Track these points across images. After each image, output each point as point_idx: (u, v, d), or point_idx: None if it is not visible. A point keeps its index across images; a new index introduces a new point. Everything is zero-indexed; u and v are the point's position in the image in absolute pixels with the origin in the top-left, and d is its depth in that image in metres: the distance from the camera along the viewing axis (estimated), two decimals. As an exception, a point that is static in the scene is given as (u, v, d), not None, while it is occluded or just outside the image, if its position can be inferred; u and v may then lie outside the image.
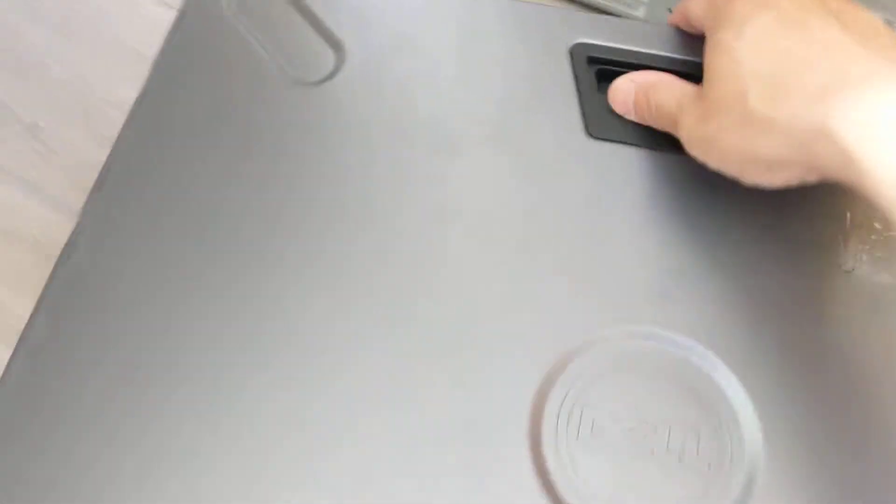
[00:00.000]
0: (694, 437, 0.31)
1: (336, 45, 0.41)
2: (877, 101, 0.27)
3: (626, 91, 0.39)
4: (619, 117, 0.39)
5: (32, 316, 0.33)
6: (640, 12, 0.76)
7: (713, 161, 0.33)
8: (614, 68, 0.40)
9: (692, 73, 0.38)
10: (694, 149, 0.34)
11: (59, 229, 0.37)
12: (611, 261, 0.35)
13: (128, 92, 0.40)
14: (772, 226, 0.36)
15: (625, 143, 0.38)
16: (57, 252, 0.35)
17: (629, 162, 0.38)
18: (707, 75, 0.34)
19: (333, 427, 0.31)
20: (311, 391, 0.32)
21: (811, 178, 0.31)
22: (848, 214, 0.36)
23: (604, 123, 0.39)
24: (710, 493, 0.30)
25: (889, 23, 0.33)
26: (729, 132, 0.32)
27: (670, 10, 0.81)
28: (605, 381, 0.32)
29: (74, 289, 0.34)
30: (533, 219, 0.36)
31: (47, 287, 0.34)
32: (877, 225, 0.36)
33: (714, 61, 0.33)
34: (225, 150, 0.38)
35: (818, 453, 0.31)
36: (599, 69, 0.41)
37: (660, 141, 0.38)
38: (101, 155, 0.38)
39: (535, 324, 0.34)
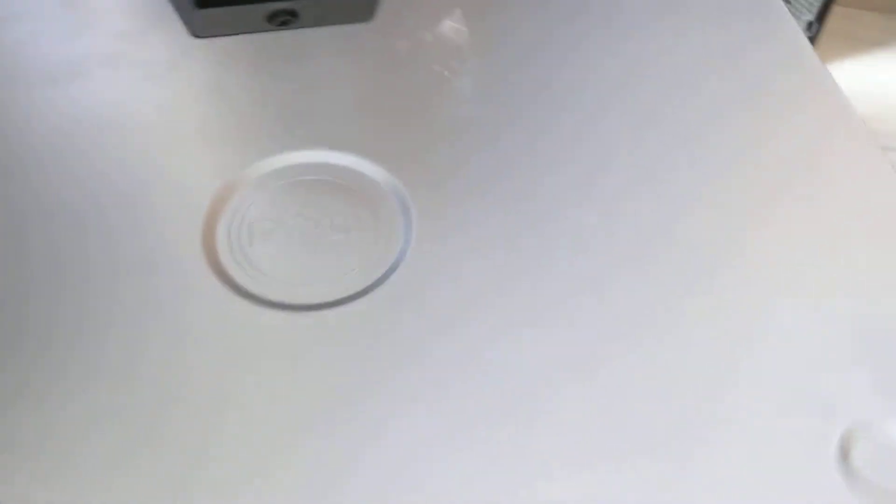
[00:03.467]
0: (356, 220, 0.35)
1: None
2: None
3: None
4: (217, 18, 0.44)
5: None
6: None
7: None
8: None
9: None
10: None
11: None
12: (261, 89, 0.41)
13: None
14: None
15: (228, 34, 0.43)
16: None
17: (240, 48, 0.43)
18: None
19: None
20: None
21: None
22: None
23: (204, 25, 0.44)
24: (373, 256, 0.35)
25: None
26: None
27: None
28: (270, 196, 0.36)
29: None
30: (159, 116, 0.40)
31: None
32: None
33: None
34: None
35: (461, 215, 0.36)
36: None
37: (257, 24, 0.44)
38: None
39: (199, 155, 0.37)
